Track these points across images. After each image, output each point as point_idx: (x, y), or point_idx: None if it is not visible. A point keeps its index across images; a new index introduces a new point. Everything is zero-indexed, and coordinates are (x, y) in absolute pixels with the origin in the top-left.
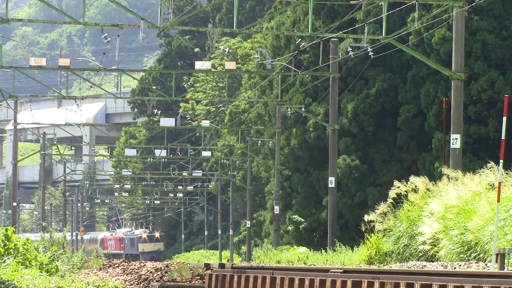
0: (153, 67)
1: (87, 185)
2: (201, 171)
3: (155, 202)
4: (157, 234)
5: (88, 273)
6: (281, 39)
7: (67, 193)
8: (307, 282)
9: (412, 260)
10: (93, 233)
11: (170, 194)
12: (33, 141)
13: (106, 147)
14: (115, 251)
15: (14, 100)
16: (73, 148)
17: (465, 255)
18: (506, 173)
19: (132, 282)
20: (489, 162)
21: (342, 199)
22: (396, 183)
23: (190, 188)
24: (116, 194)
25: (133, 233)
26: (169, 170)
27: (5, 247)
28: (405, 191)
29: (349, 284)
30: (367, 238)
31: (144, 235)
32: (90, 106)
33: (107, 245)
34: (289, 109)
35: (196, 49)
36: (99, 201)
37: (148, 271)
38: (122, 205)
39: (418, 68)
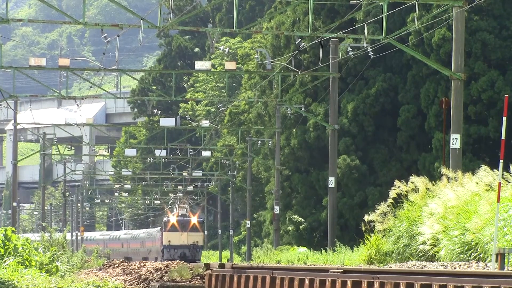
0: (153, 67)
1: (87, 185)
2: (201, 171)
3: (155, 202)
4: (194, 219)
5: (88, 273)
6: (281, 39)
7: (67, 193)
8: (307, 282)
9: (412, 260)
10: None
11: (170, 194)
12: (33, 141)
13: (106, 147)
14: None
15: (14, 100)
16: (73, 148)
17: (465, 255)
18: (504, 176)
19: (132, 282)
20: (487, 164)
21: (342, 199)
22: (396, 183)
23: (190, 188)
24: (116, 194)
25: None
26: (169, 170)
27: (5, 247)
28: (405, 191)
29: (349, 284)
30: (367, 238)
31: (173, 219)
32: (90, 106)
33: None
34: (289, 109)
35: (196, 49)
36: (99, 201)
37: (148, 271)
38: (122, 205)
39: (418, 68)
